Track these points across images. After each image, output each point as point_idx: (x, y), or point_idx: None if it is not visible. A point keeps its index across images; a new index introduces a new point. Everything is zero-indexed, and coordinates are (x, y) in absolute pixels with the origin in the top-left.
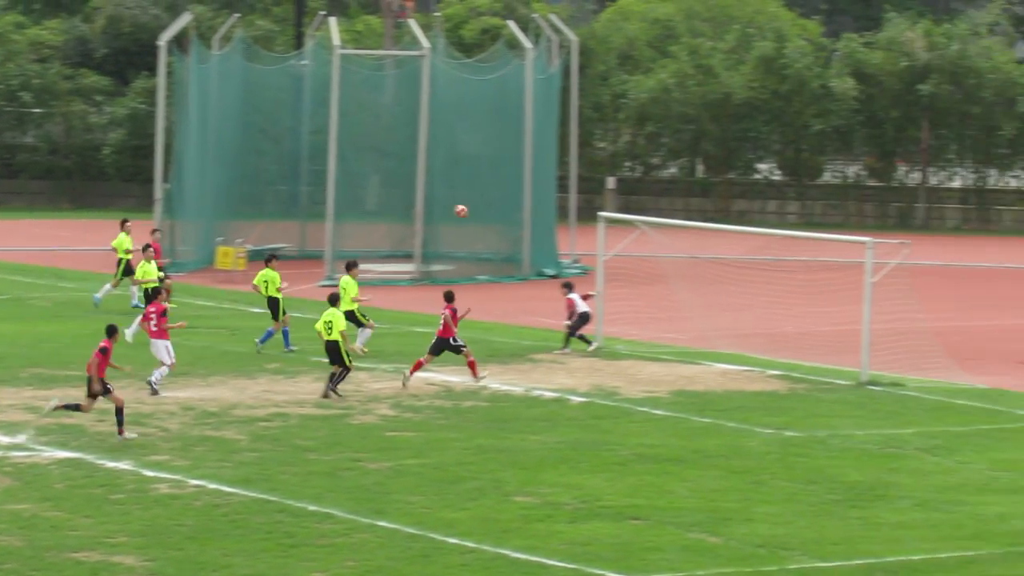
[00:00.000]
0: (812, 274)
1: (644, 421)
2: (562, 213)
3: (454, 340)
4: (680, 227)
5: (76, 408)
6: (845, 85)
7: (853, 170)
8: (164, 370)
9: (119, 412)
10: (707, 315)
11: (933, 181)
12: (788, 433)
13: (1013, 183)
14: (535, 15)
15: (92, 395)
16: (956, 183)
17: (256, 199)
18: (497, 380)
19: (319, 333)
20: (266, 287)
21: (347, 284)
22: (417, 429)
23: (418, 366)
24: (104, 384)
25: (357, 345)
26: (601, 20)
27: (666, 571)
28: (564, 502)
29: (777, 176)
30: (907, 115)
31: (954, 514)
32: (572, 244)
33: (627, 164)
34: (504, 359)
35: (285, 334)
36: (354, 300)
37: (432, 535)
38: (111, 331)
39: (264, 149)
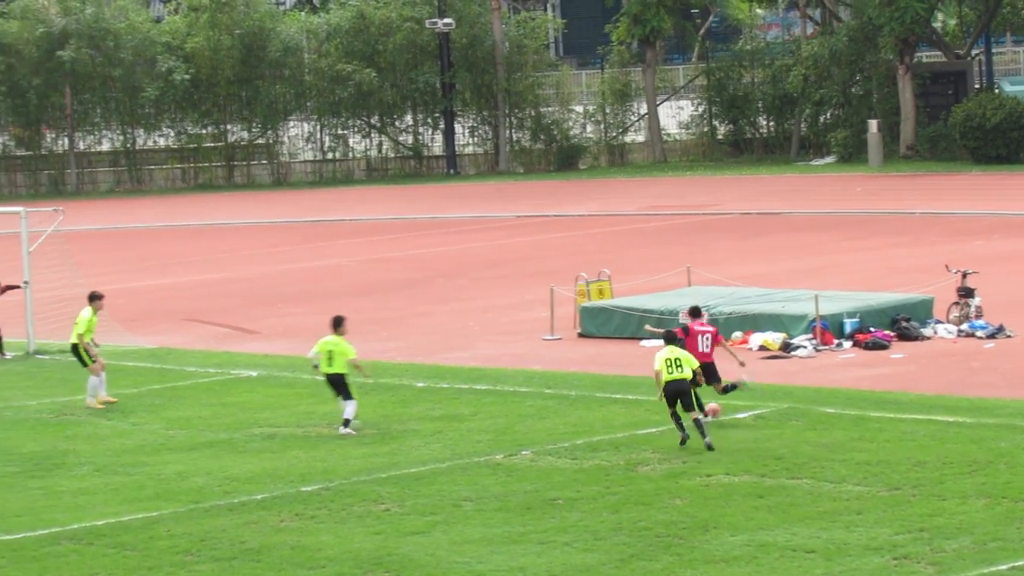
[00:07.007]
0: None
1: None
2: None
3: None
4: None
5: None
6: None
7: (0, 141)
8: None
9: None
10: None
11: (81, 146)
12: None
13: (161, 142)
14: None
15: None
16: (105, 146)
17: None
18: None
19: None
20: None
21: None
22: None
23: None
24: None
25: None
26: None
27: None
28: None
29: None
30: (49, 82)
31: (134, 476)
32: None
33: None
34: None
35: None
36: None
37: None
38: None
39: None
